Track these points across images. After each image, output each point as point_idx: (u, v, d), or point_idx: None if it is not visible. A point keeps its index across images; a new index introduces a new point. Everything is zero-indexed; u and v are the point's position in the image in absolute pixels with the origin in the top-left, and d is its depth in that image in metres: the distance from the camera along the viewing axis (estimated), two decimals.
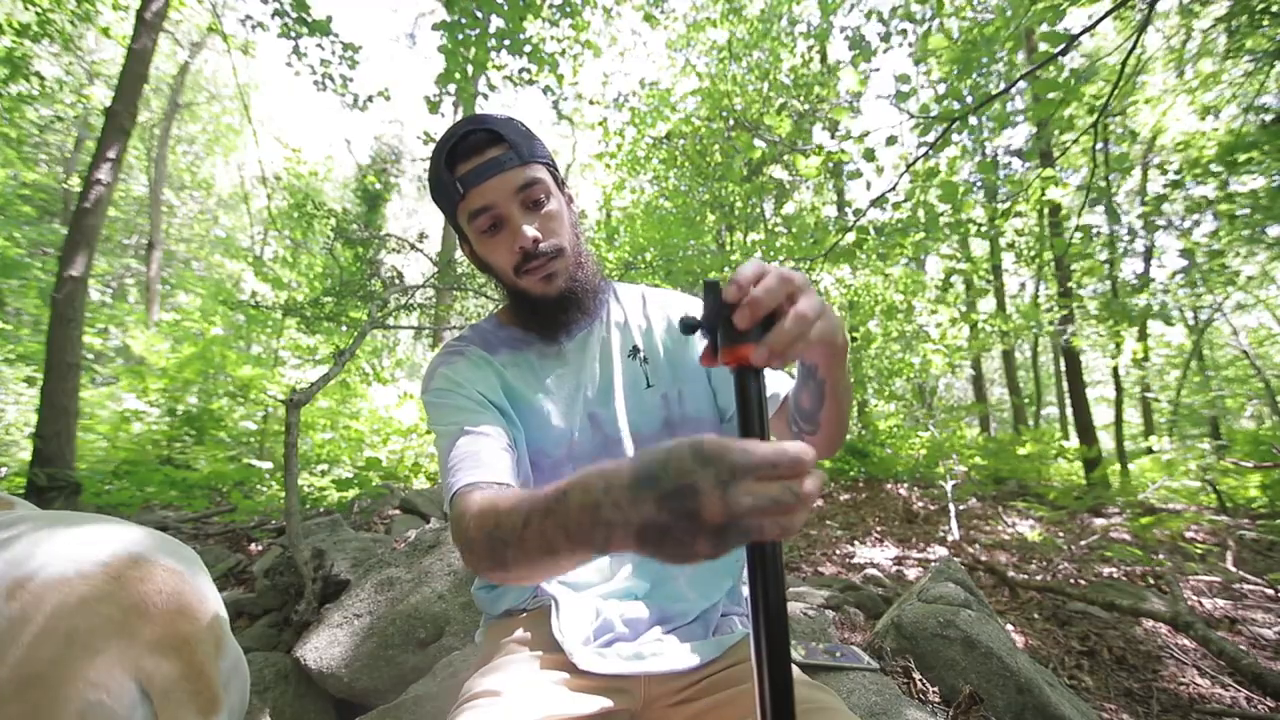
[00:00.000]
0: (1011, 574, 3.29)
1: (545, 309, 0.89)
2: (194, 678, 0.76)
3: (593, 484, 0.48)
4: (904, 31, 4.27)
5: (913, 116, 3.30)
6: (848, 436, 0.80)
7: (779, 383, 0.92)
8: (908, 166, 3.41)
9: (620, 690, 0.78)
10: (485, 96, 4.30)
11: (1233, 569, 3.28)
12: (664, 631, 0.84)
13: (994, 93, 3.35)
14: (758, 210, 9.40)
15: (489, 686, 0.76)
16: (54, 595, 0.75)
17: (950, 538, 4.54)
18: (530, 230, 0.84)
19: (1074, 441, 9.41)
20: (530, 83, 4.68)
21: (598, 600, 0.84)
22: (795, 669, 0.78)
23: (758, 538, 0.41)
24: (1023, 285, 12.72)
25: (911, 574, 3.59)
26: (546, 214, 0.86)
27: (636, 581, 0.86)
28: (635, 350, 0.95)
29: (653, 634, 0.83)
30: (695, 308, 1.00)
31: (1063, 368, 11.15)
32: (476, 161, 0.83)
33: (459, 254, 5.59)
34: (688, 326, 0.54)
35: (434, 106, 4.04)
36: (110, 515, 1.36)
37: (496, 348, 0.94)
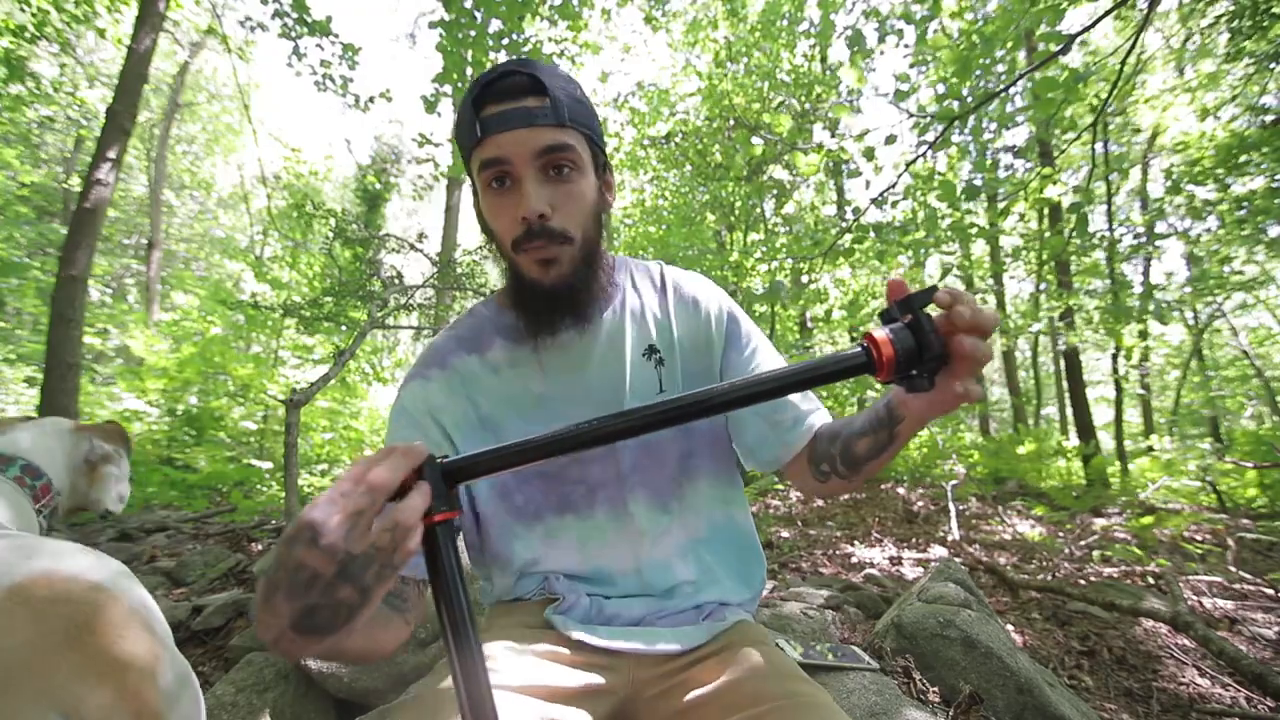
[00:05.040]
0: (1011, 574, 3.29)
1: (534, 298, 0.76)
2: (130, 699, 0.68)
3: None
4: (900, 31, 4.26)
5: (911, 115, 3.31)
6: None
7: (813, 409, 0.85)
8: (907, 165, 3.41)
9: (608, 667, 0.77)
10: None
11: (1233, 569, 3.28)
12: (658, 616, 0.83)
13: (993, 91, 3.35)
14: (758, 210, 9.40)
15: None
16: None
17: (950, 538, 4.54)
18: (539, 201, 0.70)
19: (1074, 441, 9.41)
20: None
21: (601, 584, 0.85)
22: (788, 663, 0.77)
23: (384, 555, 0.43)
24: (1021, 289, 12.73)
25: (911, 574, 3.59)
26: (567, 190, 0.72)
27: (643, 564, 0.85)
28: (651, 350, 0.84)
29: (647, 617, 0.83)
30: (719, 297, 0.91)
31: (1062, 368, 11.15)
32: (506, 106, 0.70)
33: (459, 253, 5.58)
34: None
35: (430, 106, 4.04)
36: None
37: (491, 340, 0.84)
